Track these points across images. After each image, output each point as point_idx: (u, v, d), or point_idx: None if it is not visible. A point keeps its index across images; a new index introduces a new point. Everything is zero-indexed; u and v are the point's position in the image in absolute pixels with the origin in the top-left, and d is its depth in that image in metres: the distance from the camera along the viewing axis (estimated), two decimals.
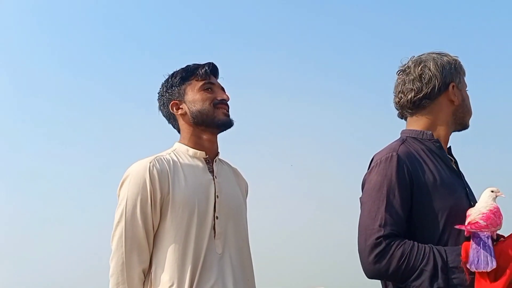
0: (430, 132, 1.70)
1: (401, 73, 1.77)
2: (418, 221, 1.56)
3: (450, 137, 1.76)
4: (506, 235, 1.53)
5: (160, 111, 1.98)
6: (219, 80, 1.96)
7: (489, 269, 1.40)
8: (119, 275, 1.70)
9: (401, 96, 1.74)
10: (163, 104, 1.95)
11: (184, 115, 1.89)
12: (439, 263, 1.45)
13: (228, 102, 1.89)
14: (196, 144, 1.87)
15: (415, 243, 1.49)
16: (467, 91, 1.79)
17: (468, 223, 1.50)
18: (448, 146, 1.76)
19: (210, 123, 1.85)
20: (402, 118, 1.81)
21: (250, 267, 1.87)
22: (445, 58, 1.73)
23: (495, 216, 1.49)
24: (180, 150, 1.87)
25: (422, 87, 1.70)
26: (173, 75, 1.93)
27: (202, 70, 1.88)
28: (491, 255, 1.42)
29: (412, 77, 1.72)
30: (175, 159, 1.82)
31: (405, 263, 1.46)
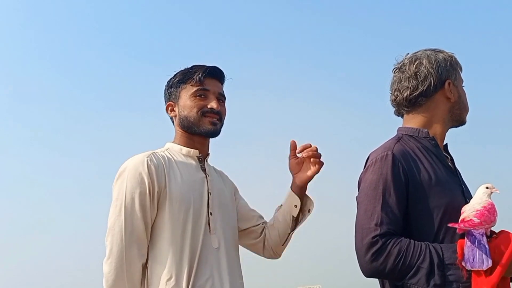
0: (426, 130, 1.70)
1: (396, 70, 1.77)
2: (414, 219, 1.57)
3: (447, 134, 1.76)
4: (497, 231, 1.54)
5: None
6: (226, 83, 1.97)
7: (484, 268, 1.41)
8: (118, 270, 1.68)
9: (397, 94, 1.74)
10: (164, 102, 2.00)
11: (175, 117, 1.93)
12: (435, 260, 1.46)
13: (219, 111, 1.89)
14: (187, 144, 1.91)
15: (411, 240, 1.50)
16: (463, 87, 1.79)
17: (462, 221, 1.50)
18: (444, 144, 1.76)
19: (195, 131, 1.88)
20: (398, 116, 1.81)
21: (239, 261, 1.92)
22: (440, 55, 1.73)
23: (489, 213, 1.49)
24: (173, 149, 1.90)
25: (417, 85, 1.69)
26: (174, 75, 1.95)
27: (197, 76, 1.88)
28: (486, 253, 1.42)
29: (407, 74, 1.71)
30: (169, 156, 1.85)
31: (401, 261, 1.47)
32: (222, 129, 1.94)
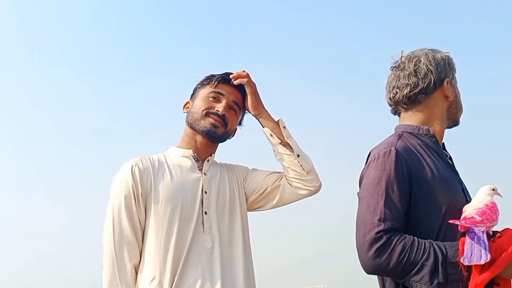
0: (427, 127, 1.69)
1: (395, 68, 1.77)
2: (417, 215, 1.55)
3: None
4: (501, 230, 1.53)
5: None
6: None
7: (482, 262, 1.40)
8: (111, 270, 1.76)
9: (396, 92, 1.73)
10: None
11: (187, 113, 2.01)
12: (440, 258, 1.44)
13: (223, 115, 1.92)
14: (187, 144, 1.97)
15: (415, 238, 1.48)
16: (458, 88, 1.79)
17: (463, 218, 1.49)
18: (442, 142, 1.76)
19: (195, 128, 1.94)
20: (395, 114, 1.81)
21: (246, 260, 1.87)
22: (438, 54, 1.74)
23: (491, 212, 1.48)
24: (170, 152, 1.98)
25: (418, 82, 1.69)
26: (204, 77, 2.02)
27: (215, 79, 1.97)
28: (485, 248, 1.41)
29: (407, 72, 1.71)
30: (162, 159, 1.92)
31: (405, 258, 1.44)
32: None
